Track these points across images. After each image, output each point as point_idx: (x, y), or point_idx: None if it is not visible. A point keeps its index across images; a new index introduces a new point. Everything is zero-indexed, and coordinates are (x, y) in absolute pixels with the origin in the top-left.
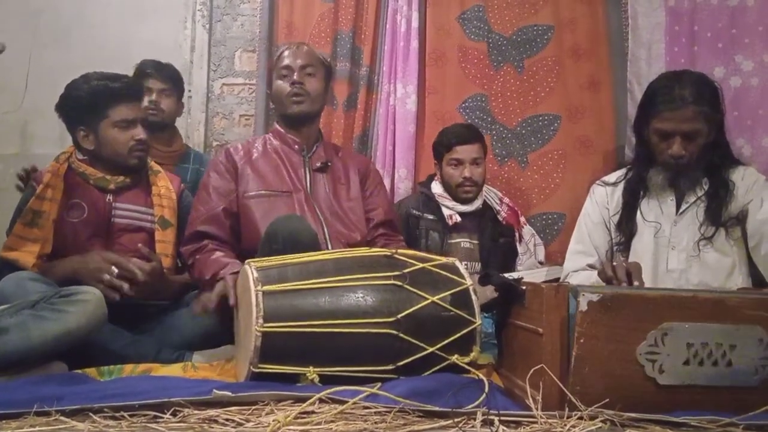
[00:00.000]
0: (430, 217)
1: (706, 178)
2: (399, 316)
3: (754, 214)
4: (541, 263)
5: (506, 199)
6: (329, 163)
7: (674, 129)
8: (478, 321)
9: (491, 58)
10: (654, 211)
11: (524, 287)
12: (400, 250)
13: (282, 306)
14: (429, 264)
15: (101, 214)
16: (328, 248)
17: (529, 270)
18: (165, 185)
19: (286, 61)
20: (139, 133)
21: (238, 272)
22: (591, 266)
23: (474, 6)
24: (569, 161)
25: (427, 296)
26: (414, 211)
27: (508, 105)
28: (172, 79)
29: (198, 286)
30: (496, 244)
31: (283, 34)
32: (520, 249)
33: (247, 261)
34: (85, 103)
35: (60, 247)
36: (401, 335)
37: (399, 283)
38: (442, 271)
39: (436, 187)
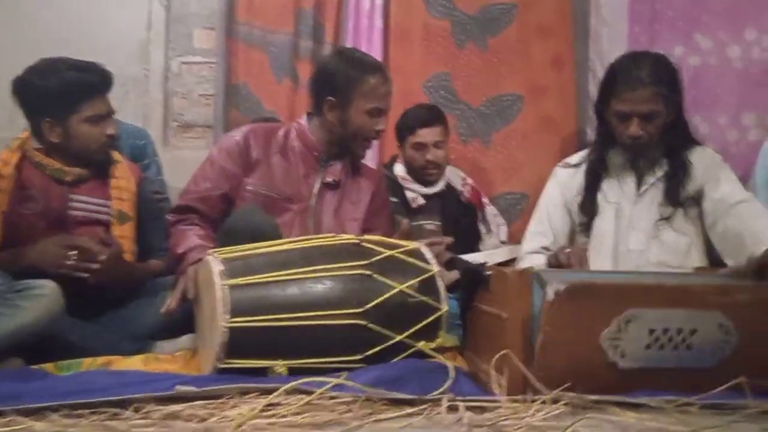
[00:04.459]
0: (394, 199)
1: (665, 158)
2: (367, 306)
3: (710, 194)
4: (503, 243)
5: (469, 180)
6: (340, 182)
7: (632, 110)
8: (445, 307)
9: (455, 37)
10: (615, 192)
11: (488, 272)
12: (366, 237)
13: (248, 299)
14: (396, 251)
15: (57, 207)
16: None
17: (490, 250)
18: (124, 176)
19: (383, 104)
20: (111, 128)
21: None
22: (546, 248)
23: None
24: (532, 141)
25: (395, 285)
26: None
27: (471, 84)
28: None
29: (159, 274)
30: (459, 225)
31: (243, 10)
32: (482, 229)
33: (210, 251)
34: (53, 95)
35: (12, 240)
36: (370, 326)
37: (367, 273)
38: (409, 258)
39: (399, 169)
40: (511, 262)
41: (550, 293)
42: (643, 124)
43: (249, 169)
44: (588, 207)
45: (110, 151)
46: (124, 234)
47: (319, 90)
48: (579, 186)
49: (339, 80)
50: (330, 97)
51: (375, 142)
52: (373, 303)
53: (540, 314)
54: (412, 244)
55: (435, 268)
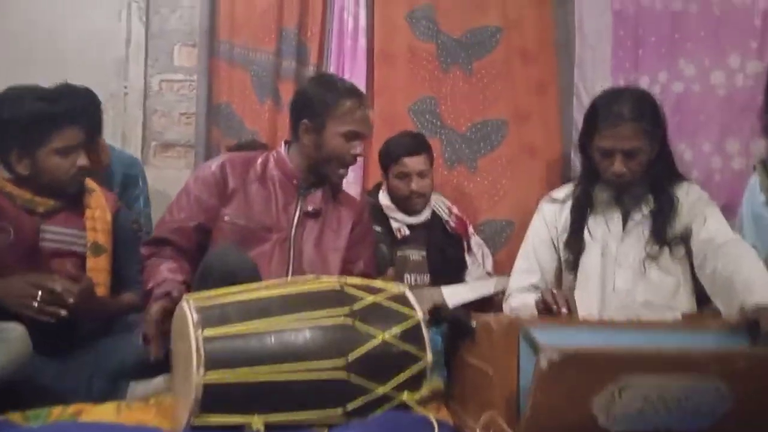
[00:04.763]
0: (378, 228)
1: (650, 194)
2: (349, 358)
3: (698, 233)
4: (489, 274)
5: (455, 209)
6: (321, 211)
7: (614, 147)
8: (429, 357)
9: (440, 60)
10: (601, 229)
11: (474, 325)
12: (349, 281)
13: (224, 351)
14: (380, 296)
15: (29, 238)
16: None
17: (477, 281)
18: (99, 206)
19: (360, 128)
20: (82, 159)
21: (167, 295)
22: (534, 285)
23: (423, 4)
24: (517, 167)
25: (377, 334)
26: None
27: (457, 108)
28: None
29: (133, 309)
30: (445, 256)
31: (225, 28)
32: (468, 259)
33: (185, 297)
34: (20, 126)
35: None
36: (352, 378)
37: (349, 322)
38: (392, 304)
39: (384, 198)
40: (500, 294)
41: (543, 362)
42: (626, 161)
43: (226, 199)
44: (573, 244)
45: (83, 182)
46: (98, 266)
47: (296, 114)
48: (565, 222)
49: (314, 103)
50: (305, 120)
51: (359, 169)
52: (355, 354)
53: (531, 380)
54: (396, 288)
55: (419, 315)
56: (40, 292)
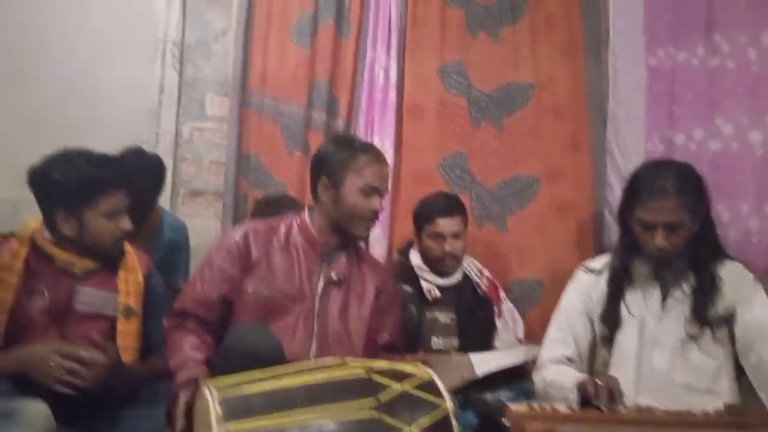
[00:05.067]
0: (408, 289)
1: (692, 271)
2: None
3: (743, 317)
4: (519, 340)
5: (486, 272)
6: (344, 279)
7: (656, 220)
8: None
9: (470, 115)
10: (639, 305)
11: (507, 424)
12: (375, 366)
13: None
14: (407, 384)
15: (62, 300)
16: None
17: (507, 348)
18: (132, 267)
19: (377, 183)
20: (126, 223)
21: (192, 382)
22: (568, 358)
23: (455, 60)
24: (547, 225)
25: (405, 429)
26: None
27: (487, 164)
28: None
29: (161, 373)
30: (475, 319)
31: (256, 79)
32: (498, 324)
33: (206, 383)
34: (70, 188)
35: (11, 336)
36: None
37: (376, 416)
38: (420, 393)
39: (415, 258)
40: (530, 363)
41: None
42: (668, 235)
43: (249, 269)
44: (609, 319)
45: (123, 246)
46: (128, 330)
47: (315, 174)
48: (601, 294)
49: (331, 160)
50: (323, 178)
51: (385, 227)
52: None
53: None
54: (424, 372)
55: (449, 404)
56: (63, 361)
